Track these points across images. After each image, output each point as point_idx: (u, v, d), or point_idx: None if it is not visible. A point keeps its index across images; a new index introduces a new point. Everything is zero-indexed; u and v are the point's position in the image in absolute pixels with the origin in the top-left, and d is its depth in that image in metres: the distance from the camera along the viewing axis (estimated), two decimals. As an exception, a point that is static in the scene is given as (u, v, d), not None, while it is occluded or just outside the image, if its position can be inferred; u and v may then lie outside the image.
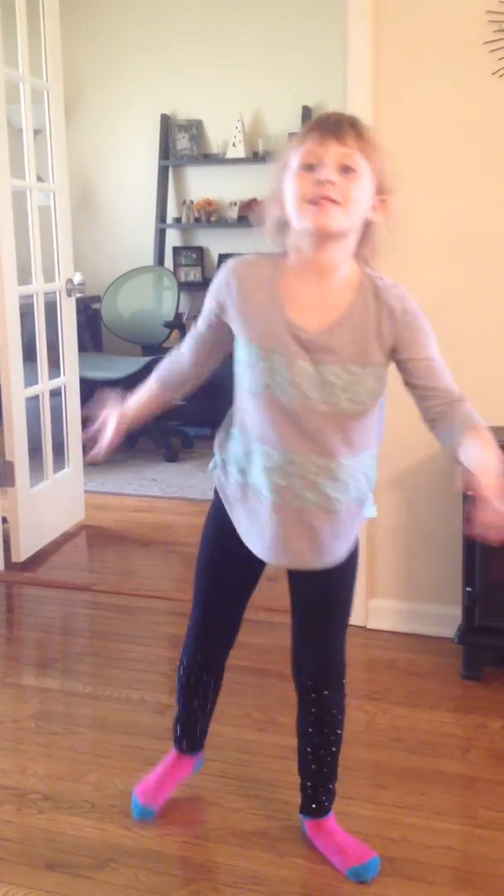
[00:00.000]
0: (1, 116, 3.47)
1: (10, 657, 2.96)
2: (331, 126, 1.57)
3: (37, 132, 3.88)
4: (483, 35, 2.68)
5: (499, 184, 2.76)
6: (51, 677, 2.78)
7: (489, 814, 2.09)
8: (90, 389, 4.89)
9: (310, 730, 1.97)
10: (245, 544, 1.82)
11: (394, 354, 1.66)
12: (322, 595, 1.86)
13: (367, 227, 1.64)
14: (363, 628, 3.05)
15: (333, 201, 1.55)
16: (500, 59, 2.68)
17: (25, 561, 3.70)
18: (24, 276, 3.72)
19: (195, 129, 5.98)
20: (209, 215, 5.94)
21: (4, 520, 3.69)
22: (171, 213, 6.07)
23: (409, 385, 1.68)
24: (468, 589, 2.67)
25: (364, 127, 1.60)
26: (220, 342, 1.77)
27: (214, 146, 5.99)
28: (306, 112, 5.75)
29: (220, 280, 1.71)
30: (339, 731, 1.97)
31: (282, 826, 2.05)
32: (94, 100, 6.09)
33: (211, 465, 1.91)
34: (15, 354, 3.61)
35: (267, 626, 3.08)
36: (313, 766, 1.99)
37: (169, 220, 6.04)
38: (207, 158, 5.94)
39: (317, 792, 2.00)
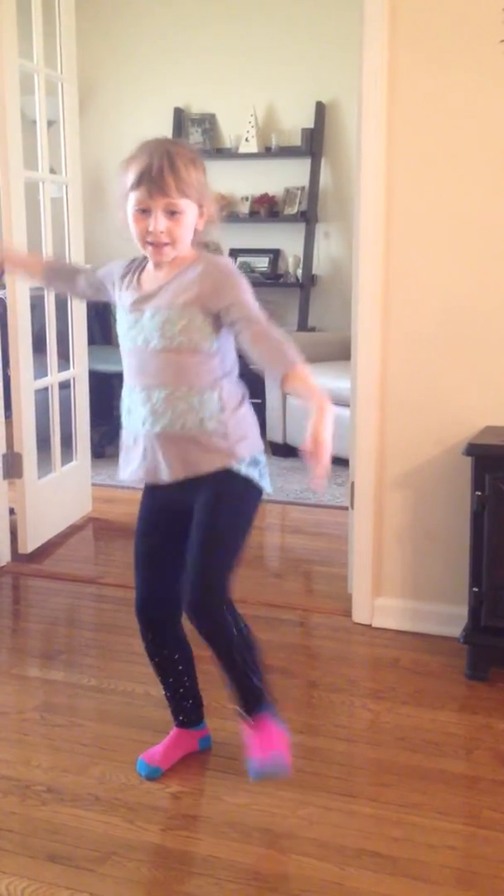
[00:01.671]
0: (15, 107, 3.47)
1: (15, 649, 2.97)
2: (155, 181, 1.93)
3: (50, 124, 3.88)
4: (499, 33, 2.66)
5: (513, 183, 2.76)
6: (56, 669, 2.78)
7: (492, 814, 2.09)
8: (99, 382, 4.94)
9: (220, 668, 2.11)
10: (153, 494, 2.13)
11: (217, 311, 1.98)
12: (197, 518, 2.05)
13: (196, 231, 2.05)
14: (368, 626, 3.05)
15: (165, 244, 1.98)
16: (516, 57, 2.67)
17: (32, 553, 3.71)
18: (35, 268, 3.72)
19: (208, 123, 5.98)
20: (221, 210, 5.93)
21: (12, 511, 3.70)
22: (183, 207, 6.06)
23: (229, 327, 2.00)
24: (475, 589, 2.66)
25: (182, 168, 1.94)
26: (97, 288, 2.22)
27: (227, 140, 5.98)
28: (320, 108, 5.74)
29: (117, 264, 2.17)
30: (239, 656, 2.07)
31: (284, 822, 2.05)
32: (108, 92, 6.09)
33: None
34: (25, 346, 3.61)
35: (270, 622, 3.08)
36: (229, 682, 2.13)
37: (180, 214, 6.03)
38: (220, 153, 5.93)
39: (238, 695, 2.13)
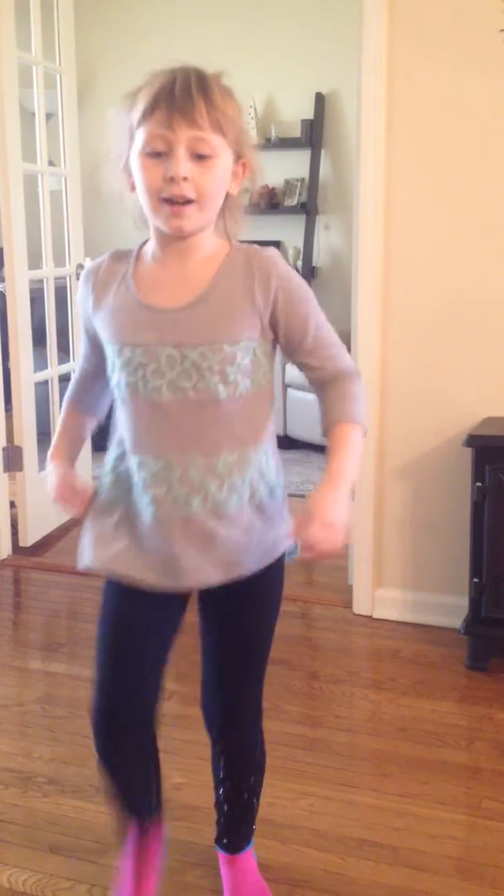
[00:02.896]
0: (13, 100, 3.46)
1: (16, 641, 2.97)
2: (179, 101, 1.33)
3: (49, 116, 3.87)
4: (498, 23, 2.65)
5: (512, 173, 2.75)
6: (57, 661, 2.79)
7: (493, 804, 2.10)
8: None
9: (221, 774, 1.73)
10: (138, 584, 1.50)
11: (276, 330, 1.46)
12: (234, 623, 1.59)
13: (228, 198, 1.45)
14: (369, 618, 3.05)
15: (188, 200, 1.36)
16: (515, 47, 2.66)
17: (33, 545, 3.71)
18: (34, 261, 3.72)
19: (208, 114, 5.96)
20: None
21: (12, 504, 3.70)
22: (183, 199, 6.06)
23: (294, 361, 1.51)
24: (475, 580, 2.66)
25: (216, 89, 1.37)
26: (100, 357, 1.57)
27: (227, 132, 5.96)
28: (319, 99, 5.73)
29: (80, 292, 1.55)
30: (252, 779, 1.74)
31: (285, 813, 2.06)
32: (107, 84, 6.06)
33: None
34: (24, 339, 3.61)
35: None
36: (226, 807, 1.76)
37: (180, 207, 6.02)
38: (219, 144, 5.90)
39: (229, 828, 1.78)
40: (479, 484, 2.62)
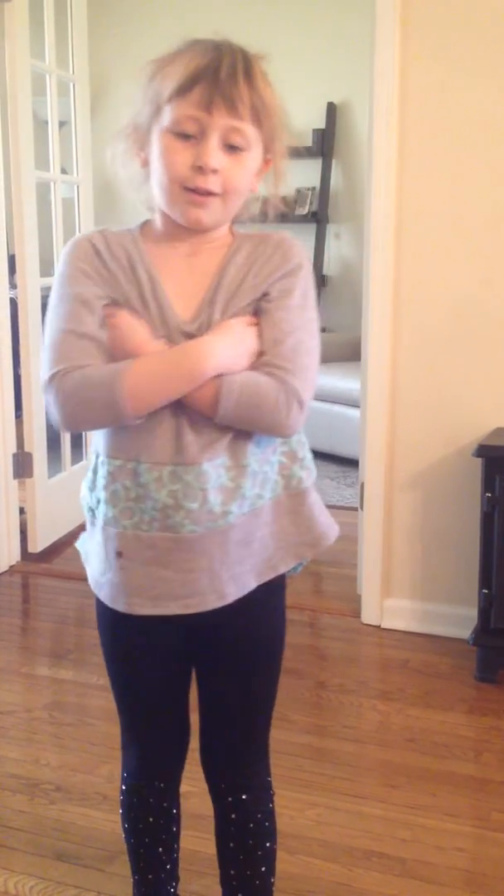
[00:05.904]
0: (27, 108, 3.47)
1: (24, 647, 2.97)
2: (223, 84, 1.20)
3: (62, 124, 3.89)
4: (512, 33, 2.66)
5: (525, 184, 2.75)
6: (65, 668, 2.79)
7: (501, 816, 2.09)
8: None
9: (231, 844, 1.55)
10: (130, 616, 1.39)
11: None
12: (237, 658, 1.43)
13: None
14: (378, 627, 3.04)
15: (213, 194, 1.24)
16: (528, 57, 2.66)
17: (42, 552, 3.71)
18: (46, 268, 3.72)
19: (220, 123, 5.98)
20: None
21: (22, 510, 3.71)
22: (194, 207, 6.07)
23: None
24: (485, 591, 2.65)
25: (259, 74, 1.26)
26: None
27: (238, 141, 5.98)
28: (331, 108, 5.74)
29: (86, 296, 1.43)
30: (268, 845, 1.54)
31: (292, 823, 2.05)
32: (120, 92, 6.09)
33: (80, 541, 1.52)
34: (35, 346, 3.62)
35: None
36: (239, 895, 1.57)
37: (191, 215, 6.04)
38: (231, 153, 5.92)
39: None
40: (488, 494, 2.62)
